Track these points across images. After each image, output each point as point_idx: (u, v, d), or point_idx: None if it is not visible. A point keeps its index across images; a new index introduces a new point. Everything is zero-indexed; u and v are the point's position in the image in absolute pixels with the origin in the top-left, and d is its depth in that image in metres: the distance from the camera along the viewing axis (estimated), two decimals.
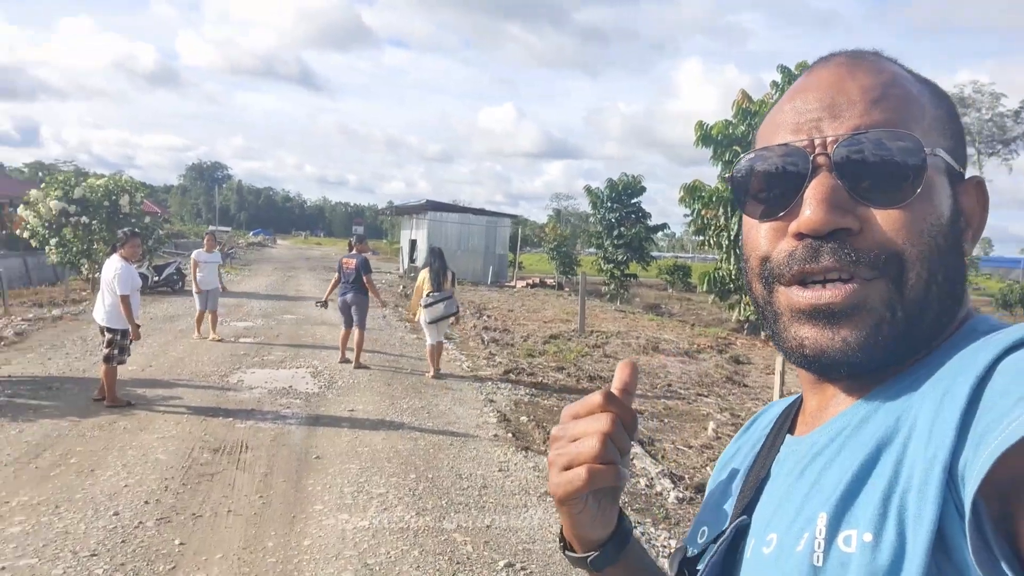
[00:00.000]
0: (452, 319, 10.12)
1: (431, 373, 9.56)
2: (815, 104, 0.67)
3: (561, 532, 0.79)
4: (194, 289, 11.57)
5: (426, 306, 9.46)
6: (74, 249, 17.08)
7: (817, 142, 0.65)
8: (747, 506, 0.72)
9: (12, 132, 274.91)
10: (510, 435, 6.96)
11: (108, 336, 7.23)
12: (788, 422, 0.78)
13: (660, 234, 28.91)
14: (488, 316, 16.74)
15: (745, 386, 10.22)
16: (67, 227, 16.86)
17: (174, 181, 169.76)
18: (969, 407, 0.53)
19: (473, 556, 4.38)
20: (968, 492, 0.49)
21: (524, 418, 7.63)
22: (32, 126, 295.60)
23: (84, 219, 16.88)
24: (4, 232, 33.84)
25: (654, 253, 29.99)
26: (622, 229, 27.19)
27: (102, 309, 7.28)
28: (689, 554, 0.76)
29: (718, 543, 0.71)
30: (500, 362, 10.87)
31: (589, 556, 0.76)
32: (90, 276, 17.90)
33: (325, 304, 10.87)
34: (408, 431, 6.91)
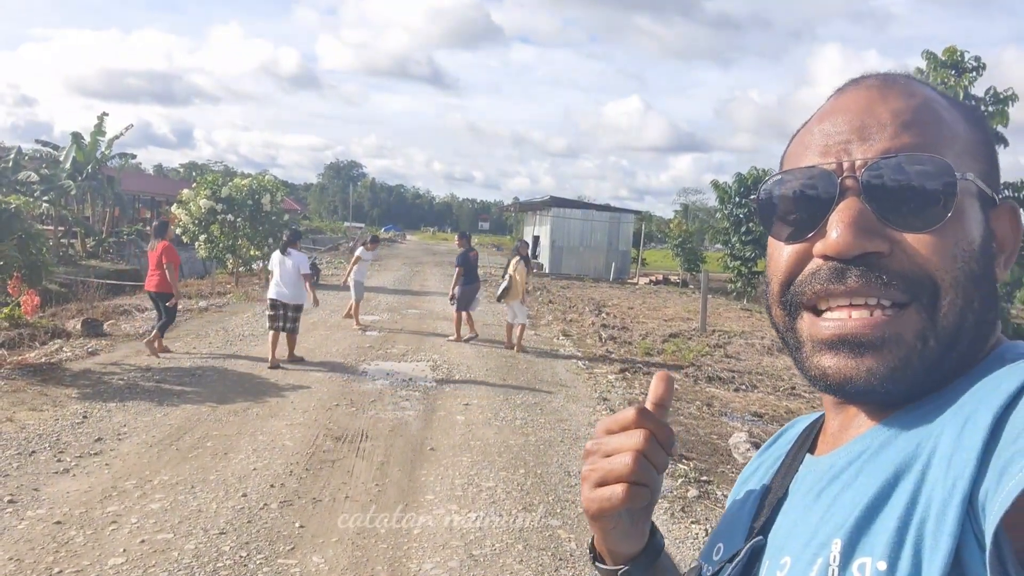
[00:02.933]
0: (513, 297, 11.11)
1: (507, 344, 11.25)
2: (844, 127, 0.66)
3: (592, 543, 0.80)
4: (347, 280, 12.80)
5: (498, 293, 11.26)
6: (220, 245, 18.29)
7: (845, 165, 0.64)
8: (763, 526, 0.71)
9: (170, 135, 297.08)
10: None
11: (291, 312, 9.29)
12: (809, 441, 0.76)
13: None
14: (607, 313, 16.66)
15: None
16: (215, 224, 18.08)
17: (313, 179, 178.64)
18: (991, 436, 0.52)
19: (576, 553, 4.40)
20: (989, 525, 0.48)
21: None
22: (187, 129, 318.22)
23: (230, 217, 18.06)
24: None
25: None
26: (751, 225, 26.36)
27: (284, 291, 9.24)
28: (705, 573, 0.76)
29: (734, 563, 0.71)
30: (616, 360, 10.82)
31: (619, 570, 0.76)
32: (234, 270, 19.13)
33: (453, 300, 11.85)
34: (520, 427, 7.01)
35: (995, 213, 0.66)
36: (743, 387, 9.42)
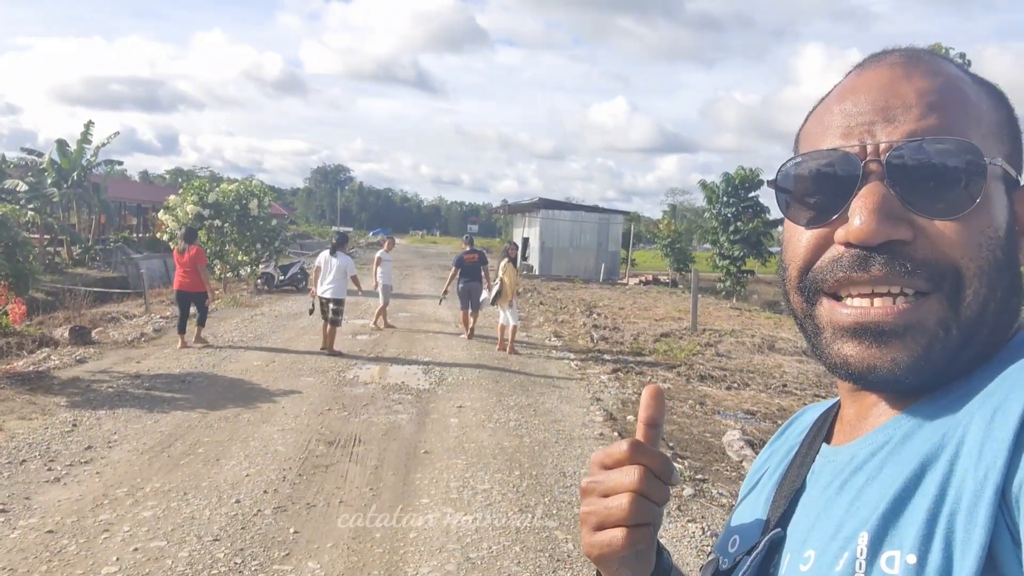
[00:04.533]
0: (505, 299, 11.20)
1: (499, 346, 11.32)
2: (867, 107, 0.63)
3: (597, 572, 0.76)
4: (374, 284, 13.23)
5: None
6: (208, 251, 18.19)
7: (869, 148, 0.62)
8: (781, 518, 0.69)
9: (155, 142, 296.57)
10: (616, 434, 6.92)
11: (333, 306, 10.38)
12: (824, 430, 0.75)
13: (779, 229, 27.91)
14: (598, 314, 16.67)
15: None
16: (202, 230, 17.98)
17: (299, 184, 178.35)
18: (1022, 425, 0.51)
19: (574, 554, 4.39)
20: None
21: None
22: (172, 135, 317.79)
23: (217, 222, 17.97)
24: (148, 235, 36.47)
25: (773, 248, 28.96)
26: (739, 224, 26.46)
27: (329, 287, 10.43)
28: (722, 566, 0.74)
29: (752, 556, 0.69)
30: (608, 360, 10.82)
31: None
32: (222, 276, 19.03)
33: (445, 295, 12.78)
34: (514, 428, 6.99)
35: (1019, 195, 0.64)
36: (735, 385, 9.44)
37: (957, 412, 0.57)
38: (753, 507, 0.76)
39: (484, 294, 11.70)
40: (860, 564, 0.55)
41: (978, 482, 0.51)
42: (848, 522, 0.59)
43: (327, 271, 10.62)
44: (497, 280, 11.32)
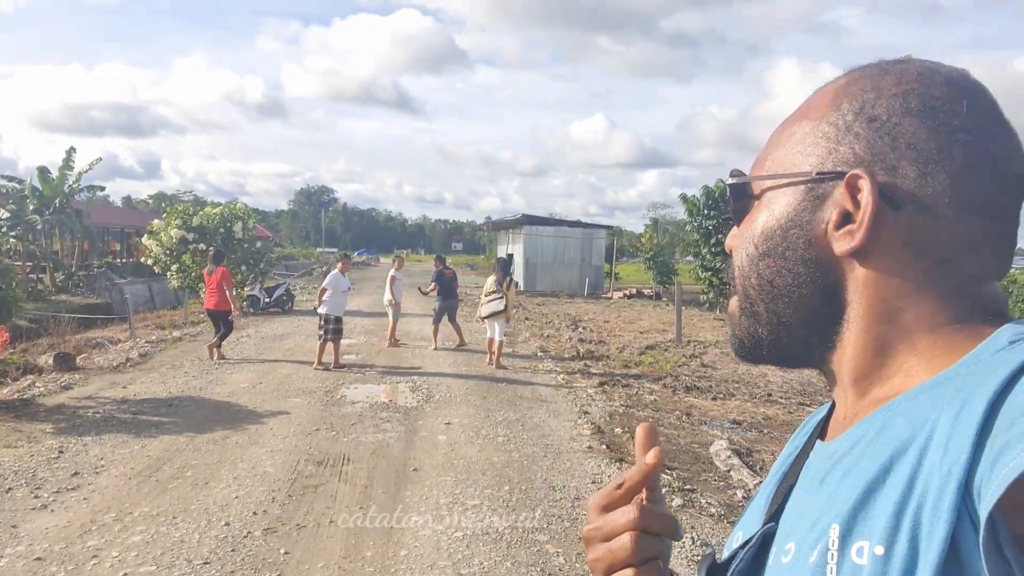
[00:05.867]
0: (503, 316, 11.45)
1: (487, 360, 11.50)
2: None
3: None
4: (387, 300, 13.57)
5: (481, 304, 11.57)
6: (192, 274, 18.12)
7: None
8: (776, 513, 0.72)
9: (136, 167, 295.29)
10: (604, 447, 6.96)
11: (320, 320, 10.85)
12: (820, 427, 0.77)
13: None
14: (584, 328, 16.73)
15: None
16: (186, 254, 17.93)
17: (283, 206, 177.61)
18: (986, 421, 0.52)
19: (565, 568, 4.41)
20: (984, 509, 0.49)
21: (619, 430, 7.60)
22: (154, 160, 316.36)
23: (202, 246, 17.92)
24: (132, 260, 36.26)
25: None
26: (720, 236, 26.59)
27: (325, 304, 10.88)
28: (719, 559, 0.76)
29: (745, 549, 0.71)
30: (595, 373, 10.86)
31: None
32: None
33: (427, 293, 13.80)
34: (503, 443, 7.01)
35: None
36: (720, 395, 9.50)
37: (929, 406, 0.58)
38: (756, 504, 0.79)
39: (497, 306, 11.41)
40: (832, 555, 0.56)
41: (943, 477, 0.52)
42: (824, 514, 0.60)
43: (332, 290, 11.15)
44: (503, 297, 11.35)
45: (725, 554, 0.77)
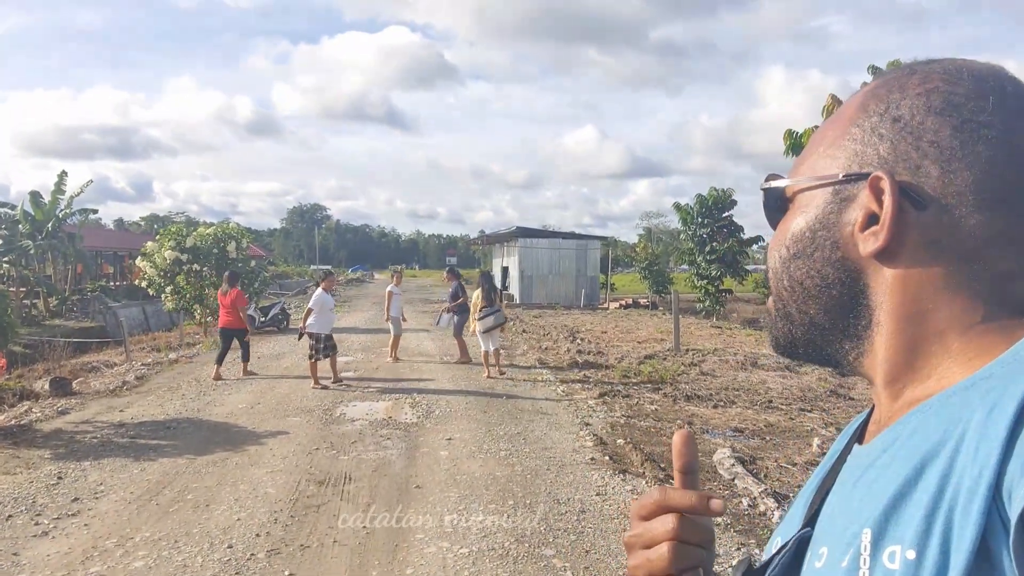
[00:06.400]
0: (501, 328, 11.99)
1: (487, 374, 11.61)
2: None
3: None
4: (386, 316, 13.67)
5: (480, 319, 11.58)
6: (187, 295, 18.08)
7: None
8: (812, 517, 0.71)
9: (128, 189, 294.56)
10: (607, 458, 6.92)
11: (311, 340, 10.81)
12: (860, 431, 0.77)
13: (755, 247, 28.20)
14: (582, 339, 16.70)
15: (851, 399, 9.83)
16: (180, 275, 17.88)
17: (276, 224, 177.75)
18: (1017, 423, 0.52)
19: None
20: (1014, 511, 0.48)
21: (621, 440, 7.57)
22: (146, 182, 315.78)
23: (196, 266, 17.88)
24: (125, 283, 36.16)
25: (749, 267, 29.22)
26: (714, 244, 26.68)
27: (314, 323, 10.85)
28: (755, 564, 0.76)
29: (781, 554, 0.71)
30: (595, 384, 10.84)
31: None
32: (203, 320, 18.89)
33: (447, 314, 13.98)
34: (505, 457, 6.97)
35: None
36: (721, 403, 9.48)
37: (961, 408, 0.58)
38: (795, 509, 0.78)
39: (498, 319, 11.75)
40: (864, 560, 0.56)
41: (973, 479, 0.52)
42: (856, 518, 0.60)
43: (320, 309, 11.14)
44: (501, 310, 11.78)
45: (764, 559, 0.76)
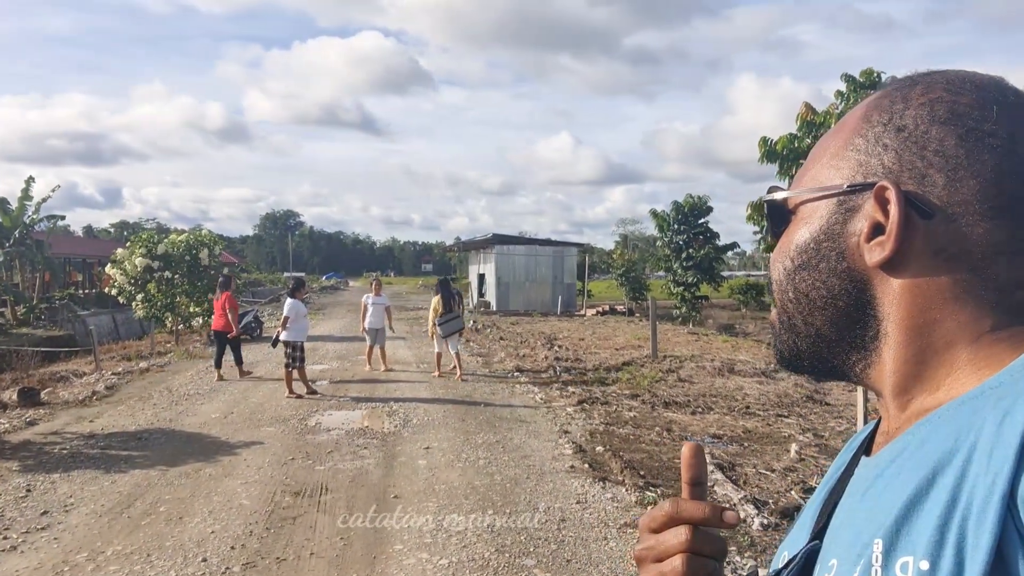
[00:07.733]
0: (460, 333, 12.54)
1: (437, 373, 12.34)
2: None
3: None
4: (361, 327, 13.35)
5: (440, 324, 12.03)
6: (158, 303, 17.81)
7: None
8: (820, 530, 0.71)
9: (97, 196, 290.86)
10: (587, 466, 6.89)
11: (287, 348, 10.65)
12: (867, 442, 0.77)
13: (730, 253, 28.49)
14: (559, 346, 16.70)
15: (827, 404, 9.90)
16: (151, 282, 17.62)
17: (248, 231, 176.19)
18: None
19: None
20: None
21: (600, 448, 7.55)
22: (115, 188, 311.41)
23: (167, 274, 17.63)
24: (95, 290, 35.60)
25: (725, 273, 29.52)
26: (690, 251, 26.90)
27: (286, 331, 10.71)
28: None
29: (789, 568, 0.71)
30: (573, 392, 10.82)
31: None
32: (174, 328, 18.62)
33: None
34: (484, 466, 6.92)
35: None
36: (699, 410, 9.50)
37: (972, 416, 0.58)
38: (802, 522, 0.78)
39: (459, 324, 12.37)
40: (876, 571, 0.56)
41: (987, 489, 0.52)
42: (866, 529, 0.60)
43: (295, 317, 11.05)
44: (463, 315, 12.30)
45: (770, 573, 0.76)
